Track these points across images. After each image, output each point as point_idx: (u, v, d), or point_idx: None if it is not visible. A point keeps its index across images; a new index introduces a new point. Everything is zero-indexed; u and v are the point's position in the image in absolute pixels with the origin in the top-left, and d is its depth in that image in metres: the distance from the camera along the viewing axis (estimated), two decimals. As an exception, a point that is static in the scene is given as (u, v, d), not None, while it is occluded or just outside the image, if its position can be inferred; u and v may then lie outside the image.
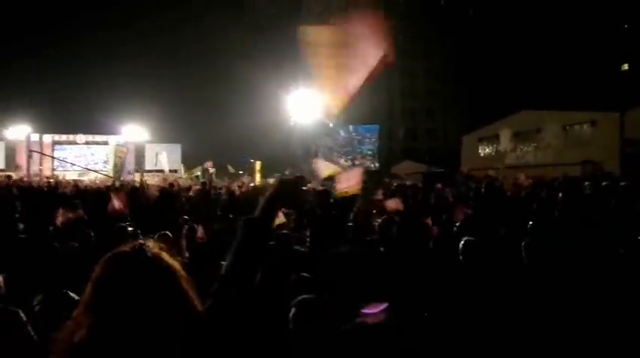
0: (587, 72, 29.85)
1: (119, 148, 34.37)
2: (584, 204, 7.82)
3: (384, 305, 3.19)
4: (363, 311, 3.10)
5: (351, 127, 38.42)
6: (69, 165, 40.26)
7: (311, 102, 32.89)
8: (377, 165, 36.99)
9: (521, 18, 39.21)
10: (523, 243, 4.47)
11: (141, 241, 1.54)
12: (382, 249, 5.08)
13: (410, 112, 57.36)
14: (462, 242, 4.55)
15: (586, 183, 9.44)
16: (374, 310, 3.15)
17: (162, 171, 37.83)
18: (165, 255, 1.51)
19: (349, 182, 7.13)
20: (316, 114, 31.66)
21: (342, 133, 38.12)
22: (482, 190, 10.61)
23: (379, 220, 5.74)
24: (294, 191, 1.86)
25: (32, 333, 3.87)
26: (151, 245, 1.52)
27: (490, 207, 8.75)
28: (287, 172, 27.65)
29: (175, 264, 1.52)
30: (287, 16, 51.29)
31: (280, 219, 7.92)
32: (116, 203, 9.23)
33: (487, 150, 33.67)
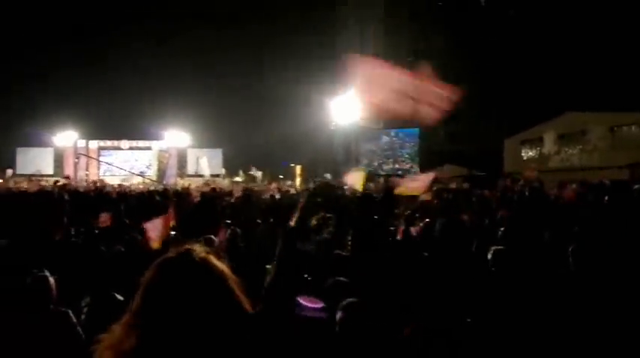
0: (635, 71, 28.95)
1: (162, 153, 34.99)
2: (633, 208, 7.60)
3: (320, 305, 3.16)
4: (301, 302, 3.03)
5: (392, 132, 38.39)
6: (114, 169, 41.31)
7: (352, 106, 32.97)
8: (416, 168, 36.76)
9: (564, 17, 38.36)
10: (570, 249, 4.37)
11: (188, 245, 1.53)
12: (425, 253, 5.04)
13: (450, 115, 56.61)
14: (491, 252, 4.48)
15: (635, 186, 9.17)
16: (311, 305, 3.12)
17: (202, 175, 38.37)
18: (213, 259, 1.51)
19: (417, 183, 7.03)
20: (357, 118, 31.69)
21: (385, 137, 38.14)
22: (526, 193, 10.40)
23: (421, 224, 5.71)
24: (330, 195, 1.87)
25: (81, 333, 3.98)
26: (199, 249, 1.52)
27: (534, 211, 8.58)
28: (327, 175, 27.72)
29: (224, 267, 1.51)
30: (325, 20, 51.42)
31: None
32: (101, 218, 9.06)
33: (530, 153, 33.04)
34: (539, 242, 5.82)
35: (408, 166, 36.91)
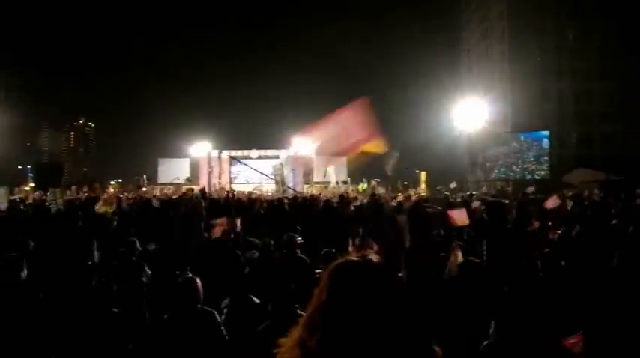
0: None
1: (276, 166, 36.26)
2: None
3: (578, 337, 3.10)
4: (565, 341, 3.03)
5: (522, 136, 37.02)
6: (243, 177, 43.40)
7: (477, 111, 32.13)
8: (543, 173, 35.06)
9: None
10: None
11: (364, 252, 1.58)
12: (562, 262, 4.85)
13: (583, 117, 53.21)
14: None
15: None
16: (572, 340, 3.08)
17: (329, 183, 39.01)
18: (390, 266, 1.55)
19: (460, 217, 7.62)
20: (483, 123, 30.82)
21: (513, 142, 36.83)
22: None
23: (559, 232, 5.49)
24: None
25: (225, 333, 4.27)
26: (374, 255, 1.55)
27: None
28: (452, 186, 27.14)
29: (400, 274, 1.55)
30: (449, 24, 50.64)
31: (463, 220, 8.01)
32: (218, 229, 8.89)
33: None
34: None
35: (533, 167, 35.39)
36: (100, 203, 13.76)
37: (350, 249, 7.04)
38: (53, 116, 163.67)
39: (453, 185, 27.77)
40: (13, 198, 17.07)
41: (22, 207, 13.13)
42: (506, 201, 14.35)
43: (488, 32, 58.08)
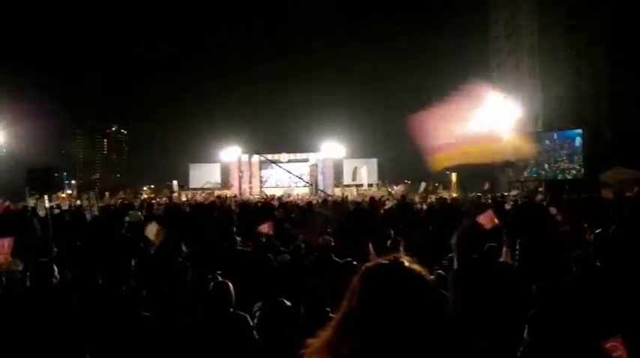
0: None
1: (312, 167, 36.21)
2: None
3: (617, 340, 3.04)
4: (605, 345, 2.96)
5: (554, 134, 36.45)
6: (274, 182, 43.73)
7: (508, 111, 31.68)
8: (575, 172, 34.41)
9: None
10: None
11: (395, 254, 1.56)
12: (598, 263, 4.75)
13: (618, 114, 51.95)
14: None
15: None
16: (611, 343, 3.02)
17: (360, 185, 39.04)
18: (422, 269, 1.52)
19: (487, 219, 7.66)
20: (512, 123, 30.37)
21: (545, 140, 36.28)
22: None
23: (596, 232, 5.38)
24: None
25: (257, 337, 4.30)
26: (405, 258, 1.54)
27: None
28: (486, 187, 26.82)
29: (430, 276, 1.52)
30: (476, 22, 50.23)
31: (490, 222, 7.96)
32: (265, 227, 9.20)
33: None
34: None
35: (566, 166, 34.78)
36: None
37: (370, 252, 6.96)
38: (87, 124, 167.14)
39: (486, 186, 27.48)
40: (49, 204, 17.46)
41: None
42: (539, 202, 14.15)
43: (517, 29, 57.32)
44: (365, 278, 1.51)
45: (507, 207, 13.08)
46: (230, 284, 4.39)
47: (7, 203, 16.79)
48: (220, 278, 5.01)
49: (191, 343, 4.28)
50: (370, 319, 1.42)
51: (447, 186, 32.22)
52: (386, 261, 1.52)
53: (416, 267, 1.52)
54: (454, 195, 26.59)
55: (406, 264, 1.51)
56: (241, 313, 4.38)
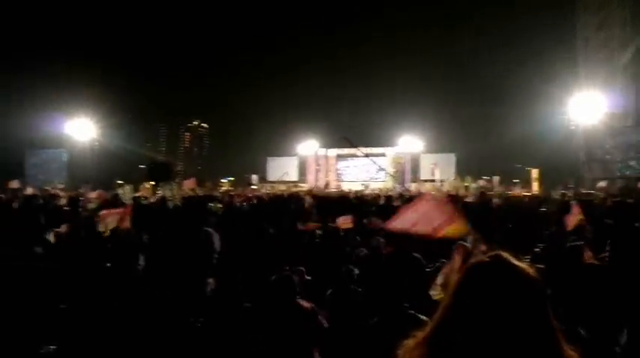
0: None
1: (398, 156, 35.77)
2: None
3: None
4: None
5: (642, 128, 34.57)
6: (351, 176, 43.85)
7: (595, 103, 30.26)
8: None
9: None
10: None
11: (498, 251, 1.52)
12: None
13: None
14: None
15: None
16: None
17: (433, 180, 38.42)
18: (527, 266, 1.48)
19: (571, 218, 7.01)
20: (601, 116, 28.95)
21: (633, 135, 34.36)
22: None
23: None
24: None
25: (324, 325, 4.38)
26: (508, 255, 1.50)
27: None
28: (569, 184, 25.74)
29: (539, 276, 1.47)
30: (563, 13, 48.09)
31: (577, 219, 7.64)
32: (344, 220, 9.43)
33: None
34: None
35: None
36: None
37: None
38: (170, 119, 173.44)
39: (570, 183, 26.33)
40: (136, 195, 18.28)
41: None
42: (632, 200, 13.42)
43: (607, 20, 54.52)
44: (468, 274, 1.49)
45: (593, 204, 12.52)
46: (295, 277, 4.51)
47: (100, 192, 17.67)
48: (292, 269, 5.14)
49: (258, 332, 4.39)
50: (473, 314, 1.40)
51: (525, 182, 30.96)
52: (489, 258, 1.49)
53: (523, 264, 1.48)
54: (535, 191, 25.71)
55: (512, 260, 1.47)
56: (305, 303, 4.48)
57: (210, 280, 5.36)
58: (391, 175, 36.89)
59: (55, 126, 38.08)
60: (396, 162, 24.35)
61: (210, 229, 7.48)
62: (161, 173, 16.20)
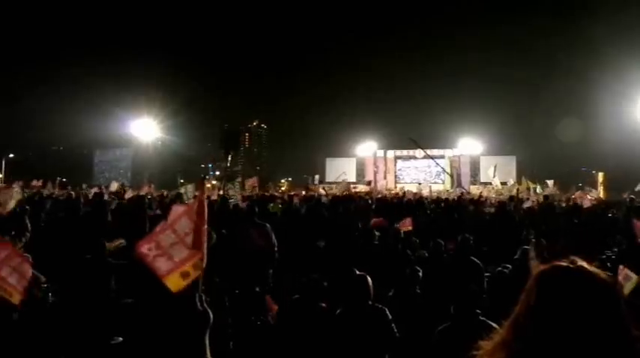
0: None
1: (453, 159, 35.23)
2: None
3: None
4: None
5: None
6: (409, 177, 43.54)
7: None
8: None
9: None
10: None
11: (573, 257, 1.49)
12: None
13: None
14: None
15: None
16: None
17: (490, 183, 37.63)
18: (605, 274, 1.44)
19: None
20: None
21: None
22: None
23: None
24: None
25: (395, 329, 4.35)
26: (583, 262, 1.47)
27: None
28: (638, 188, 24.62)
29: (618, 285, 1.48)
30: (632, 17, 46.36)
31: None
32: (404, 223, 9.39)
33: None
34: None
35: None
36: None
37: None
38: (231, 119, 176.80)
39: (638, 187, 25.21)
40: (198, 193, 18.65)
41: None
42: None
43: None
44: (545, 278, 1.47)
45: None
46: (369, 278, 4.46)
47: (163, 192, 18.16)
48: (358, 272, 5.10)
49: (330, 334, 4.40)
50: (548, 320, 1.39)
51: (592, 185, 29.76)
52: (567, 264, 1.47)
53: (599, 271, 1.45)
54: (600, 195, 24.78)
55: (587, 267, 1.45)
56: (379, 306, 4.43)
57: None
58: (450, 176, 36.39)
59: (121, 127, 39.41)
60: (451, 166, 23.93)
61: (268, 226, 7.62)
62: (233, 141, 18.19)
